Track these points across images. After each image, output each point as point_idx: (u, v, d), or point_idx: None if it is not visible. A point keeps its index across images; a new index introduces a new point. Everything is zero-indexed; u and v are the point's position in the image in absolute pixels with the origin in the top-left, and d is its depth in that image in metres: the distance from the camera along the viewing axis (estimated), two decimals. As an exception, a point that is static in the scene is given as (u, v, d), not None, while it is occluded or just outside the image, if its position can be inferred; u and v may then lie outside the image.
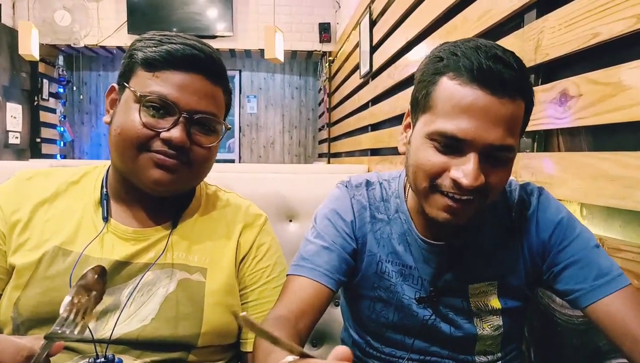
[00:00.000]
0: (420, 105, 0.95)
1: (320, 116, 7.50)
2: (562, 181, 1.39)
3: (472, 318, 1.06)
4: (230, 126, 1.12)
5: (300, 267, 1.05)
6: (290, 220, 1.56)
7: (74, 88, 7.81)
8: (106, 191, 1.10)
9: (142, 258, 1.04)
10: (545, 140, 1.56)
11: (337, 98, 6.02)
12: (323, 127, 7.04)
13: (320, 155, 7.36)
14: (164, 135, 0.98)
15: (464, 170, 0.88)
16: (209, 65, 1.03)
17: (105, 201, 1.08)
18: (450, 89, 0.89)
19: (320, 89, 7.21)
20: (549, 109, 1.46)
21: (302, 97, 7.84)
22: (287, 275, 1.07)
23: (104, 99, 1.10)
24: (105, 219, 1.06)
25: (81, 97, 7.88)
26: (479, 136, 0.87)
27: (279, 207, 1.55)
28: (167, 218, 1.10)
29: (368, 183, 1.15)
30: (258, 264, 1.15)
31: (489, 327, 1.06)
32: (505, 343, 1.10)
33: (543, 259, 1.03)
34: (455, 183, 0.89)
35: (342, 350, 0.57)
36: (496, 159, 0.90)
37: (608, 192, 1.22)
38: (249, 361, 1.10)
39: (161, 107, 0.99)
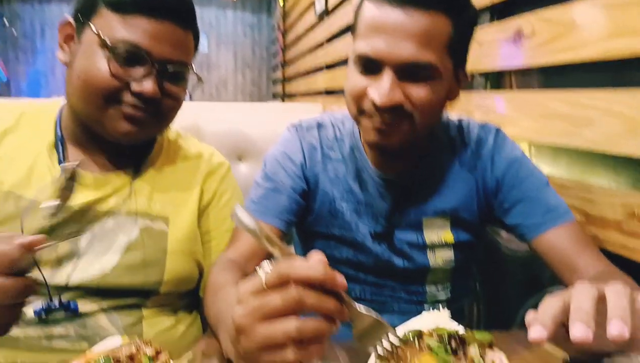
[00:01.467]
0: (353, 32, 0.97)
1: (274, 56, 7.30)
2: (513, 120, 1.42)
3: (426, 251, 1.10)
4: (201, 77, 1.07)
5: (250, 210, 1.05)
6: (240, 160, 1.53)
7: (6, 23, 7.23)
8: (61, 134, 1.03)
9: (103, 205, 1.01)
10: (498, 79, 1.57)
11: (291, 37, 5.84)
12: (277, 66, 6.87)
13: (275, 96, 7.22)
14: (135, 88, 0.92)
15: (378, 89, 0.88)
16: (181, 9, 0.96)
17: (60, 145, 1.02)
18: (366, 11, 0.91)
19: (275, 27, 6.98)
20: (503, 47, 1.46)
21: (256, 36, 7.58)
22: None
23: (42, 34, 1.01)
24: (62, 164, 1.00)
25: (14, 32, 7.32)
26: (390, 53, 0.86)
27: (228, 146, 1.51)
28: (129, 165, 1.06)
29: (319, 125, 1.14)
30: (220, 212, 1.14)
31: (441, 259, 1.11)
32: (455, 276, 1.14)
33: (496, 196, 1.07)
34: (373, 103, 0.89)
35: (316, 253, 0.57)
36: (415, 76, 0.89)
37: (557, 131, 1.25)
38: (202, 307, 1.11)
39: (132, 56, 0.92)
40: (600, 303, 0.57)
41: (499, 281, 1.45)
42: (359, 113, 0.95)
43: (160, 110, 0.98)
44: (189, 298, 1.13)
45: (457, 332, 0.68)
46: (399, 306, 1.15)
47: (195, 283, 1.11)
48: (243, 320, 0.56)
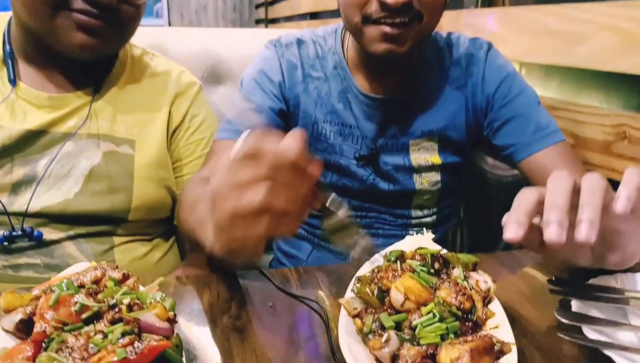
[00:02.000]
0: None
1: (255, -23, 6.92)
2: (504, 39, 1.35)
3: (412, 175, 1.06)
4: None
5: (226, 130, 0.99)
6: (218, 83, 1.45)
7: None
8: (10, 49, 0.94)
9: (61, 127, 0.94)
10: (490, -5, 1.49)
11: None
12: (259, -11, 6.53)
13: (258, 22, 6.92)
14: None
15: None
16: None
17: (10, 61, 0.93)
18: None
19: (255, -55, 6.57)
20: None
21: (236, -45, 7.14)
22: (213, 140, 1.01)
23: None
24: (13, 82, 0.92)
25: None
26: None
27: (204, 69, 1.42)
28: (88, 83, 0.98)
29: (300, 42, 1.06)
30: (192, 136, 1.07)
31: (427, 182, 1.07)
32: (441, 199, 1.12)
33: (485, 114, 1.03)
34: (383, 4, 0.84)
35: (296, 130, 0.54)
36: None
37: (549, 49, 1.18)
38: (181, 234, 1.08)
39: None
40: (576, 195, 0.54)
41: (484, 207, 1.44)
42: (363, 21, 0.88)
43: (118, 18, 0.89)
44: (164, 225, 1.09)
45: (440, 252, 0.65)
46: (384, 230, 1.13)
47: (169, 211, 1.07)
48: (215, 189, 0.55)
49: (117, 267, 0.62)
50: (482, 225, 1.45)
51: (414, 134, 1.03)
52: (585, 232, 0.51)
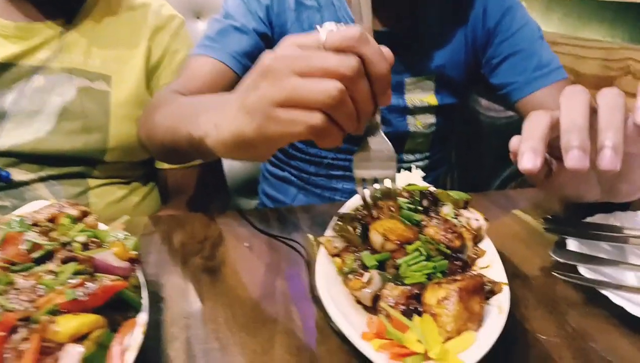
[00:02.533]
0: None
1: None
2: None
3: (406, 116, 1.00)
4: None
5: (205, 46, 0.90)
6: (198, 17, 1.36)
7: None
8: None
9: (30, 60, 0.88)
10: None
11: None
12: None
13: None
14: None
15: None
16: None
17: None
18: None
19: None
20: None
21: None
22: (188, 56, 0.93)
23: None
24: None
25: None
26: None
27: (184, 2, 1.32)
28: (60, 13, 0.91)
29: None
30: (172, 75, 1.00)
31: (422, 124, 1.02)
32: (434, 143, 1.06)
33: (485, 50, 0.96)
34: None
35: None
36: None
37: (552, -22, 1.10)
38: (164, 178, 1.03)
39: None
40: (594, 115, 0.48)
41: (476, 150, 1.40)
42: None
43: None
44: (143, 168, 1.04)
45: (428, 188, 0.61)
46: None
47: (147, 154, 1.02)
48: (277, 63, 0.44)
49: (76, 204, 0.57)
50: (474, 169, 1.41)
51: (411, 72, 0.96)
52: (610, 159, 0.45)
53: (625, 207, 0.66)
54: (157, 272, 0.57)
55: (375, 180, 0.54)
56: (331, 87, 0.42)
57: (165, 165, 1.01)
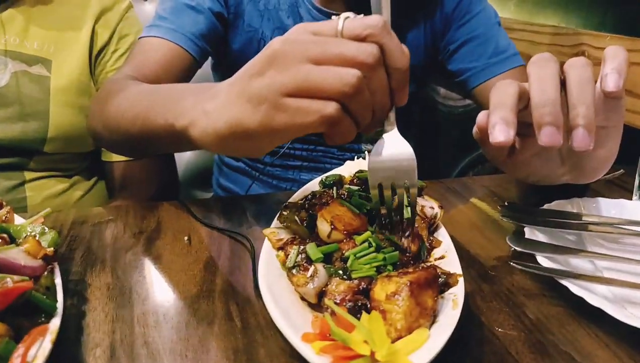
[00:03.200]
0: None
1: None
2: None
3: None
4: None
5: (158, 27, 0.83)
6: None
7: None
8: None
9: None
10: None
11: None
12: None
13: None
14: None
15: None
16: None
17: None
18: None
19: None
20: None
21: None
22: (138, 38, 0.86)
23: None
24: None
25: None
26: None
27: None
28: None
29: None
30: (120, 59, 0.94)
31: None
32: None
33: (443, 35, 0.94)
34: None
35: None
36: None
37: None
38: (110, 171, 0.96)
39: None
40: (562, 87, 0.46)
41: (433, 140, 1.38)
42: None
43: None
44: (86, 161, 0.98)
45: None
46: (332, 165, 1.03)
47: (91, 146, 0.96)
48: (289, 47, 0.41)
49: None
50: (431, 159, 1.39)
51: None
52: (582, 138, 0.43)
53: (582, 193, 0.65)
54: (82, 271, 0.51)
55: (393, 189, 0.46)
56: (350, 75, 0.39)
57: (114, 157, 0.94)
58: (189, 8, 0.85)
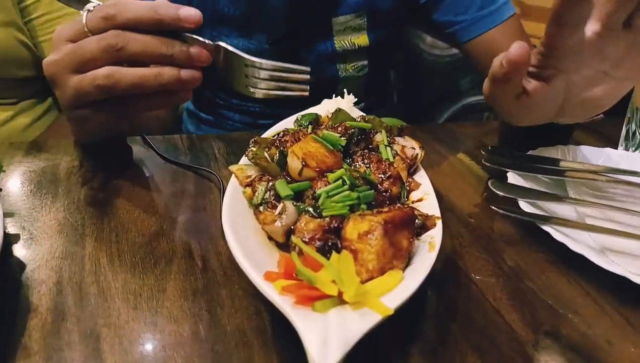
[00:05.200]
0: None
1: None
2: None
3: (335, 62, 0.91)
4: None
5: None
6: None
7: None
8: None
9: None
10: None
11: None
12: None
13: None
14: None
15: None
16: None
17: None
18: None
19: None
20: None
21: None
22: None
23: None
24: None
25: None
26: None
27: None
28: None
29: None
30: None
31: (353, 68, 0.92)
32: (369, 85, 0.98)
33: None
34: None
35: None
36: None
37: None
38: None
39: None
40: None
41: (416, 89, 1.34)
42: None
43: None
44: (33, 86, 0.91)
45: (363, 118, 0.54)
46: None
47: (31, 68, 0.89)
48: (52, 68, 0.48)
49: None
50: (416, 109, 1.35)
51: (338, 11, 0.86)
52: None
53: (566, 140, 0.62)
54: (30, 206, 0.48)
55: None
56: (97, 73, 0.46)
57: None
58: None
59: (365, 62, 0.93)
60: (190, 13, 0.47)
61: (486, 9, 0.84)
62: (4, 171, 0.51)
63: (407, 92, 1.35)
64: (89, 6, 0.47)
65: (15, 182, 0.51)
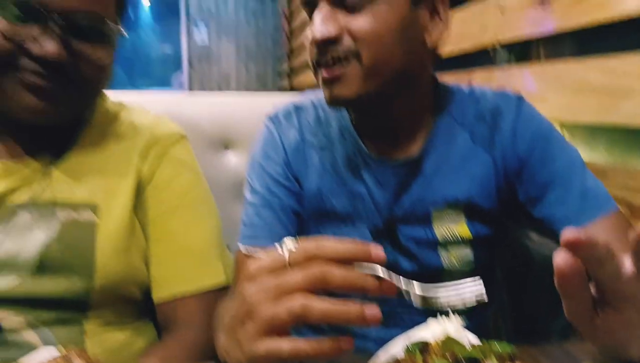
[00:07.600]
0: None
1: (279, 45, 7.21)
2: (542, 97, 1.31)
3: (437, 250, 0.97)
4: (124, 33, 0.92)
5: (243, 236, 0.97)
6: (227, 148, 1.44)
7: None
8: None
9: (16, 197, 0.89)
10: (524, 51, 1.46)
11: (298, 22, 5.76)
12: (282, 57, 6.79)
13: (281, 89, 7.14)
14: (33, 49, 0.80)
15: (312, 26, 0.85)
16: None
17: None
18: None
19: (280, 13, 6.90)
20: (527, 13, 1.36)
21: (260, 24, 7.50)
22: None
23: None
24: None
25: None
26: None
27: (212, 133, 1.42)
28: (49, 148, 0.93)
29: (297, 109, 1.03)
30: (164, 193, 0.99)
31: (457, 259, 0.97)
32: None
33: (519, 177, 0.94)
34: (313, 42, 0.85)
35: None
36: (352, 8, 0.83)
37: (592, 106, 1.14)
38: (162, 313, 0.97)
39: (24, 9, 0.80)
40: None
41: (528, 290, 1.34)
42: (314, 67, 0.88)
43: (72, 77, 0.85)
44: (145, 306, 0.99)
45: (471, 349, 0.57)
46: (410, 318, 1.01)
47: (143, 289, 0.97)
48: (255, 297, 0.55)
49: (84, 353, 0.56)
50: (525, 311, 1.34)
51: (436, 204, 0.95)
52: None
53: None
54: None
55: None
56: (295, 304, 0.53)
57: (164, 294, 0.95)
58: (264, 207, 0.98)
59: (470, 255, 0.98)
60: (379, 252, 0.55)
61: (587, 202, 0.87)
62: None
63: (515, 290, 1.35)
64: (290, 246, 0.56)
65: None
